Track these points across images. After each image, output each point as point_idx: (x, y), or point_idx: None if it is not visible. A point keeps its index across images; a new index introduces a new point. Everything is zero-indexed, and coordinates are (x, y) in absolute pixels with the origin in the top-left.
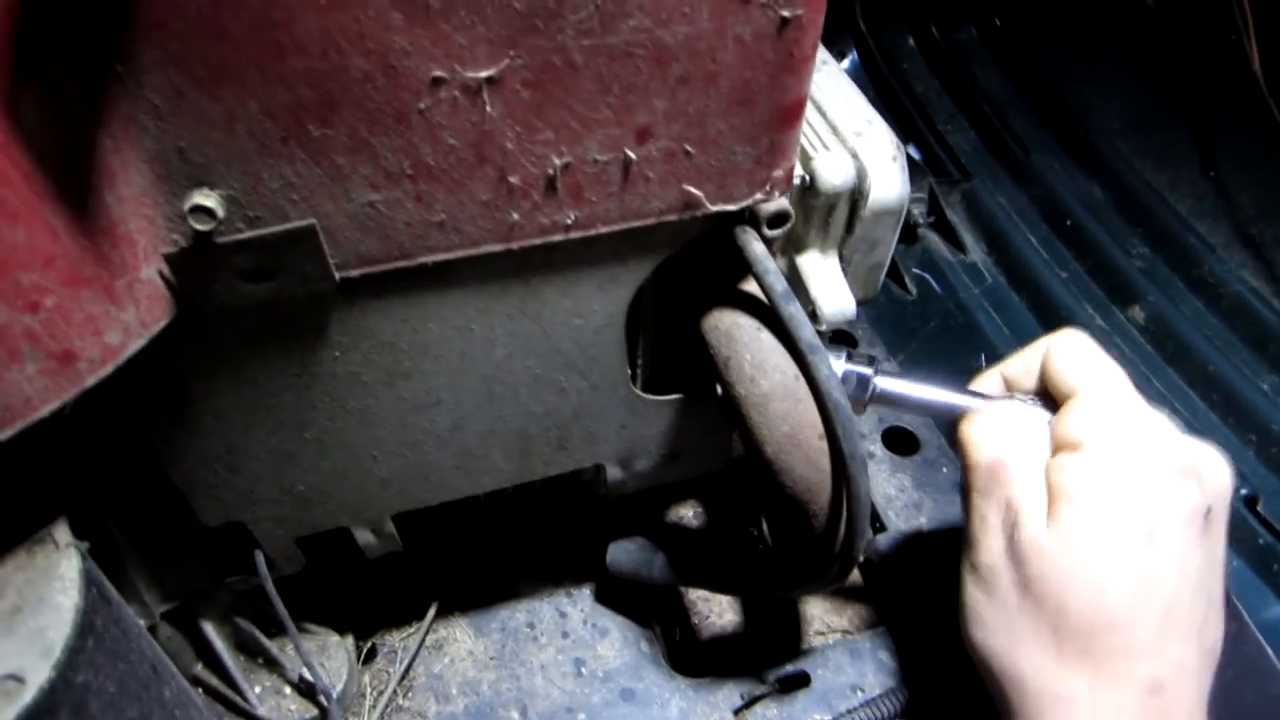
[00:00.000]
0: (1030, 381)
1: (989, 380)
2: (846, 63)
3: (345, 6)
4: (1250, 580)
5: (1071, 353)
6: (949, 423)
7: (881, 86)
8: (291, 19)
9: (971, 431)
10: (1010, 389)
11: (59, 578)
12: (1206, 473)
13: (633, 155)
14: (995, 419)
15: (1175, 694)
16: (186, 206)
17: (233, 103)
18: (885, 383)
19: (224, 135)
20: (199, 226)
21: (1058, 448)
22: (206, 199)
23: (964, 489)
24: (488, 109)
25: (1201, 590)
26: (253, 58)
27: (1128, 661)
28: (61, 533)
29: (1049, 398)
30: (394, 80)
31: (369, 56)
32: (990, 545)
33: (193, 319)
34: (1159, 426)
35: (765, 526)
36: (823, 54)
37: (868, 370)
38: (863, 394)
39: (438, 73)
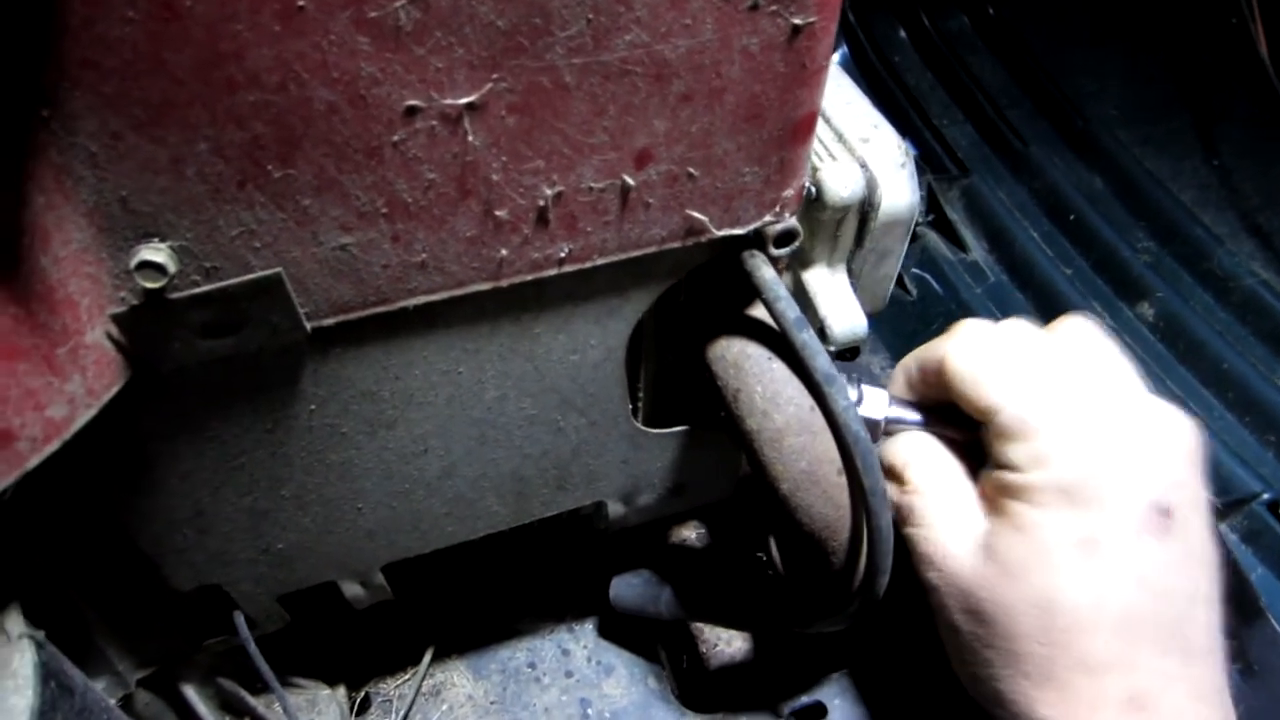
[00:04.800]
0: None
1: (897, 382)
2: (836, 57)
3: (304, 33)
4: (1276, 588)
5: (975, 366)
6: None
7: (874, 80)
8: (242, 50)
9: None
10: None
11: (11, 675)
12: (1160, 463)
13: (631, 181)
14: (898, 454)
15: (1164, 705)
16: (133, 263)
17: (179, 145)
18: (898, 411)
19: (171, 181)
20: (148, 284)
21: (994, 464)
22: (155, 253)
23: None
24: (470, 138)
25: (1172, 592)
26: (199, 95)
27: (1093, 679)
28: (13, 623)
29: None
30: (363, 112)
31: (333, 87)
32: (932, 582)
33: (149, 380)
34: (1100, 422)
35: (774, 551)
36: None
37: (883, 394)
38: (880, 409)
39: (412, 101)
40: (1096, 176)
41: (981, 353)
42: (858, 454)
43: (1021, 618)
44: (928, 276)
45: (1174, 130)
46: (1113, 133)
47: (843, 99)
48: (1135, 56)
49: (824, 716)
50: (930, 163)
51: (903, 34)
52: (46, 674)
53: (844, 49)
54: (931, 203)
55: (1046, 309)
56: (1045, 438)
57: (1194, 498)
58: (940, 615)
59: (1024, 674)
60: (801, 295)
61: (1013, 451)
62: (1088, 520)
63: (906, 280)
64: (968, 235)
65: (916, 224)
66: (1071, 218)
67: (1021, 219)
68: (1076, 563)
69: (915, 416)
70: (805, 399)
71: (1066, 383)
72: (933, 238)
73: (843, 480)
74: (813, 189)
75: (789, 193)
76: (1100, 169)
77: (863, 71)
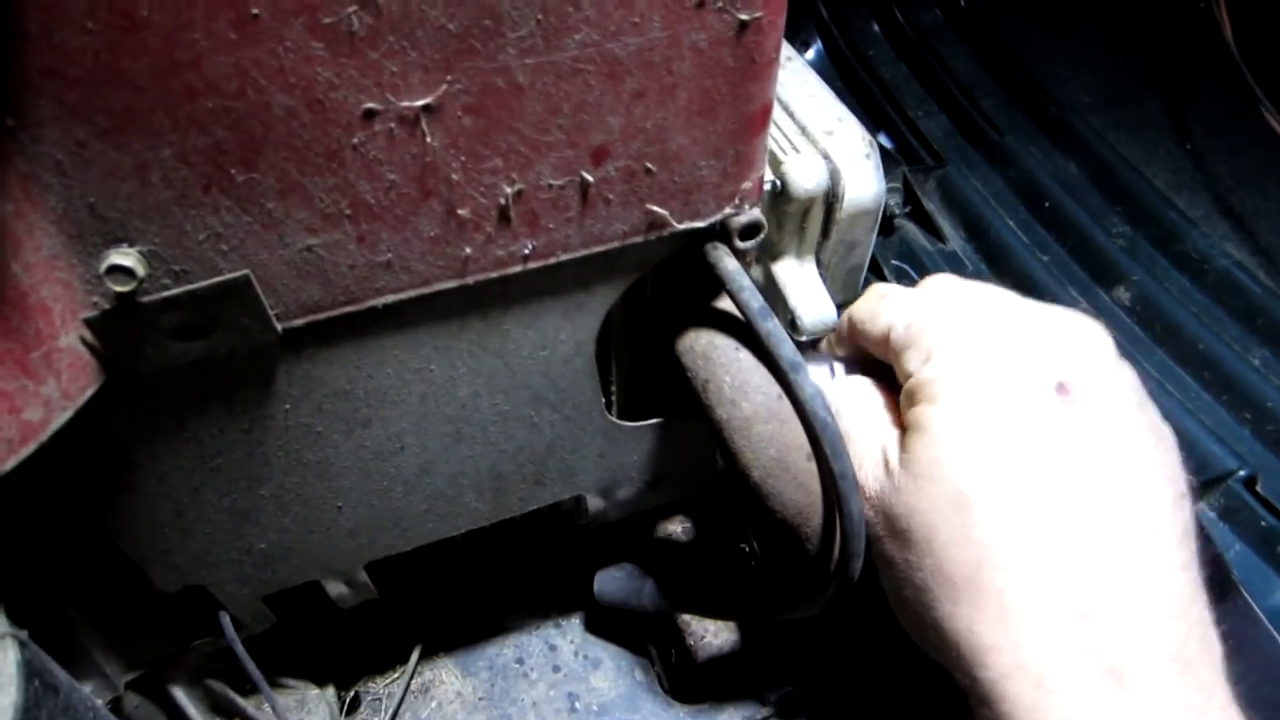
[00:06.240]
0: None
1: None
2: (811, 53)
3: (259, 40)
4: (1254, 564)
5: (871, 305)
6: None
7: (848, 76)
8: (199, 58)
9: None
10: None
11: None
12: (1056, 349)
13: (590, 177)
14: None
15: (1109, 605)
16: (103, 267)
17: (143, 152)
18: None
19: (137, 187)
20: (118, 288)
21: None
22: (124, 257)
23: None
24: (428, 139)
25: (1080, 470)
26: (160, 102)
27: (1023, 583)
28: None
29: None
30: (322, 116)
31: (291, 92)
32: None
33: (124, 382)
34: (991, 317)
35: (755, 543)
36: (787, 49)
37: (854, 367)
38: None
39: (370, 104)
40: (1071, 163)
41: (878, 295)
42: (825, 440)
43: (940, 523)
44: (907, 268)
45: (1146, 116)
46: (1086, 120)
47: (807, 93)
48: (1106, 44)
49: (808, 703)
50: (906, 155)
51: (876, 28)
52: (30, 672)
53: (818, 45)
54: (908, 194)
55: (1024, 295)
56: (933, 334)
57: (1098, 381)
58: (874, 552)
59: (955, 587)
60: (772, 287)
61: (908, 361)
62: (981, 403)
63: (886, 273)
64: (945, 225)
65: (894, 216)
66: (1047, 205)
67: (998, 207)
68: (975, 448)
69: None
70: (773, 387)
71: (961, 296)
72: (911, 229)
73: (813, 466)
74: (777, 182)
75: (748, 185)
76: (1074, 156)
77: (837, 67)
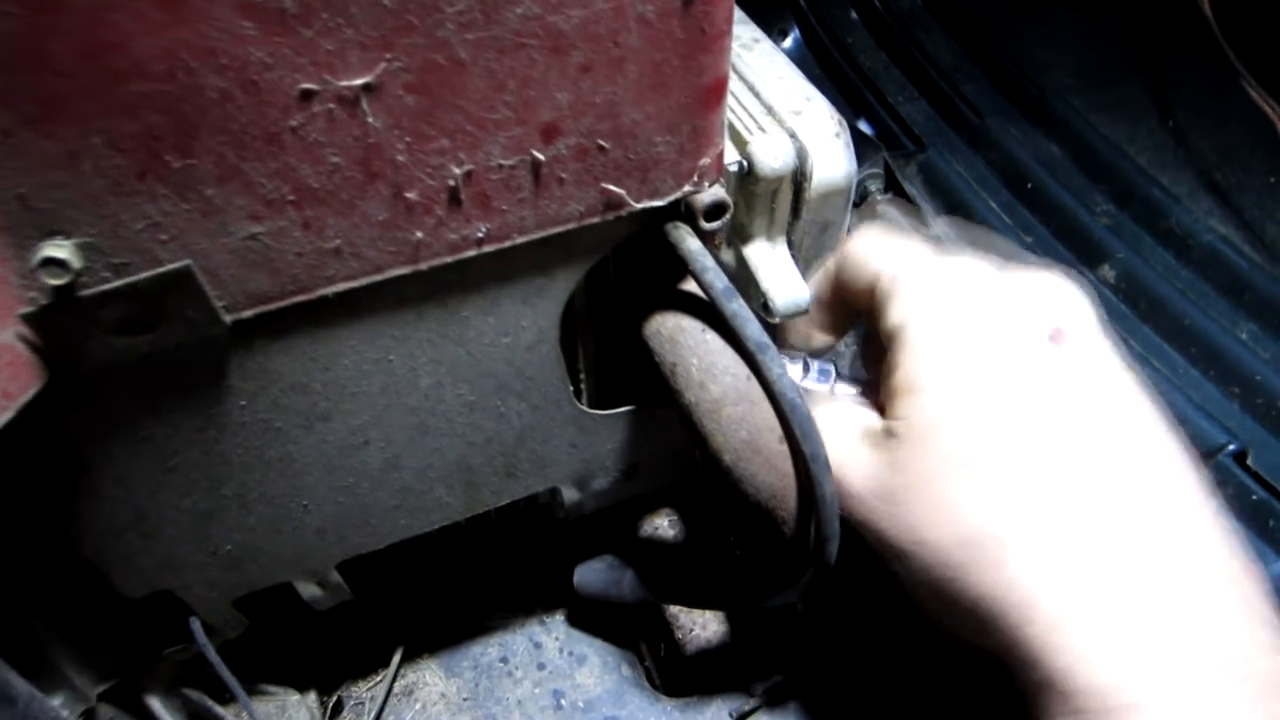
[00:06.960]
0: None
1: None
2: (789, 41)
3: (186, 20)
4: (1246, 538)
5: (868, 244)
6: None
7: (827, 63)
8: (126, 40)
9: None
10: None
11: None
12: (1044, 300)
13: (541, 156)
14: None
15: (1148, 542)
16: (35, 260)
17: (73, 139)
18: (843, 386)
19: (69, 176)
20: (53, 281)
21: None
22: (59, 250)
23: None
24: (370, 120)
25: (1089, 413)
26: (88, 87)
27: (1032, 527)
28: None
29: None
30: (257, 97)
31: (224, 73)
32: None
33: (70, 381)
34: (975, 272)
35: (733, 529)
36: (755, 32)
37: (828, 368)
38: (827, 382)
39: (307, 85)
40: (1053, 144)
41: (878, 234)
42: (795, 421)
43: (951, 485)
44: None
45: (1128, 95)
46: (1067, 101)
47: (775, 74)
48: (1087, 24)
49: (795, 692)
50: (887, 140)
51: (854, 15)
52: None
53: (796, 33)
54: (889, 179)
55: None
56: (920, 286)
57: (1090, 328)
58: (883, 548)
59: (982, 548)
60: (744, 270)
61: (891, 314)
62: (976, 357)
63: None
64: (928, 209)
65: (875, 201)
66: (1030, 186)
67: (980, 190)
68: (975, 402)
69: (856, 389)
70: (741, 369)
71: (948, 252)
72: (893, 213)
73: (785, 448)
74: (744, 162)
75: (706, 161)
76: (1057, 137)
77: (816, 54)
